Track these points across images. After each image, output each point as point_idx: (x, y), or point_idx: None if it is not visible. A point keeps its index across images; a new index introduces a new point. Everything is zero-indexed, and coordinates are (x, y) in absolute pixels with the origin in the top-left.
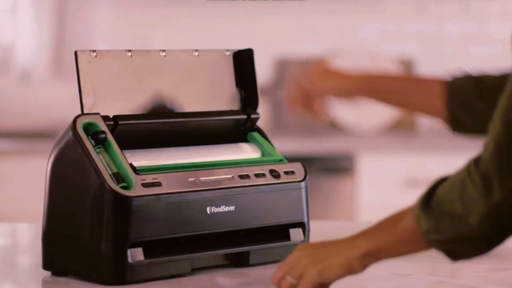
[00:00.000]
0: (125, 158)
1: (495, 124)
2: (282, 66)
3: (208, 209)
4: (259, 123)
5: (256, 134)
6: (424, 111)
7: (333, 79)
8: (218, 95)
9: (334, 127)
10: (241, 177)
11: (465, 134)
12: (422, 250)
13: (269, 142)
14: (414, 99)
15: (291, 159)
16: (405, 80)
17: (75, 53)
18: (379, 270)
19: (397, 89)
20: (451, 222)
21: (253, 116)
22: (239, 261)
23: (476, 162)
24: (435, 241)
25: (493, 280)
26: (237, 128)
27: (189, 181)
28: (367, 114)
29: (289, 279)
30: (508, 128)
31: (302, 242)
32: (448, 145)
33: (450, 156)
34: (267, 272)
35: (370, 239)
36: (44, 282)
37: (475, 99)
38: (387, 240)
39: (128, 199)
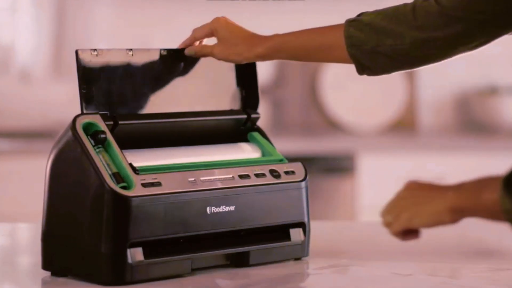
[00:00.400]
0: (125, 158)
1: None
2: (283, 66)
3: (208, 209)
4: (259, 123)
5: (256, 134)
6: (331, 61)
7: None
8: (218, 95)
9: (335, 127)
10: (241, 177)
11: (372, 75)
12: (504, 223)
13: (270, 141)
14: (319, 55)
15: (292, 159)
16: (307, 37)
17: (76, 52)
18: (379, 270)
19: (302, 49)
20: None
21: (253, 115)
22: (239, 261)
23: None
24: None
25: (494, 280)
26: (237, 127)
27: (189, 181)
28: (368, 114)
29: (387, 218)
30: None
31: (302, 241)
32: (448, 145)
33: (450, 156)
34: (267, 272)
35: (459, 195)
36: (44, 282)
37: (371, 43)
38: (471, 203)
39: (127, 199)
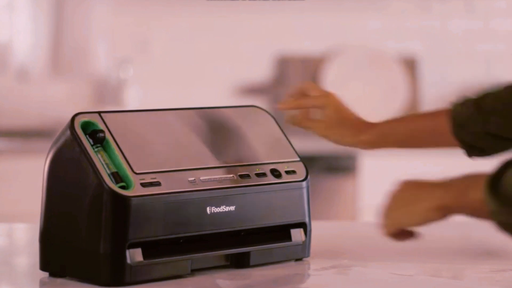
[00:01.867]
0: (124, 157)
1: None
2: (283, 64)
3: (208, 209)
4: None
5: None
6: (442, 147)
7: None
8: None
9: None
10: (241, 176)
11: (482, 157)
12: (489, 221)
13: None
14: (428, 140)
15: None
16: (412, 124)
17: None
18: (381, 271)
19: (408, 136)
20: None
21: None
22: (240, 262)
23: None
24: (502, 222)
25: (497, 281)
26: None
27: (188, 180)
28: (370, 113)
29: (381, 220)
30: None
31: (303, 241)
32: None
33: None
34: (268, 273)
35: (446, 193)
36: (42, 283)
37: (479, 124)
38: (458, 201)
39: (126, 199)
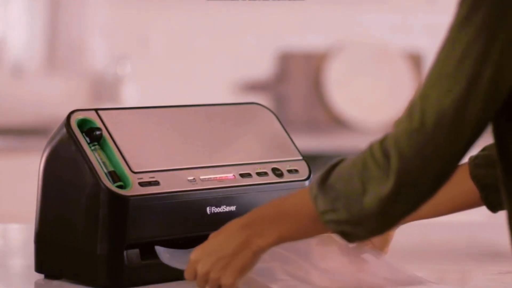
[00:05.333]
0: (122, 155)
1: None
2: (285, 60)
3: (208, 209)
4: None
5: None
6: (465, 208)
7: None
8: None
9: (340, 124)
10: (242, 175)
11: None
12: (323, 232)
13: None
14: (451, 204)
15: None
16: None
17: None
18: None
19: (436, 201)
20: (345, 201)
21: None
22: None
23: (381, 141)
24: (331, 221)
25: (504, 283)
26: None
27: (188, 180)
28: (374, 110)
29: (197, 267)
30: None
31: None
32: None
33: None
34: None
35: (278, 228)
36: (37, 285)
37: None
38: (293, 227)
39: (124, 198)
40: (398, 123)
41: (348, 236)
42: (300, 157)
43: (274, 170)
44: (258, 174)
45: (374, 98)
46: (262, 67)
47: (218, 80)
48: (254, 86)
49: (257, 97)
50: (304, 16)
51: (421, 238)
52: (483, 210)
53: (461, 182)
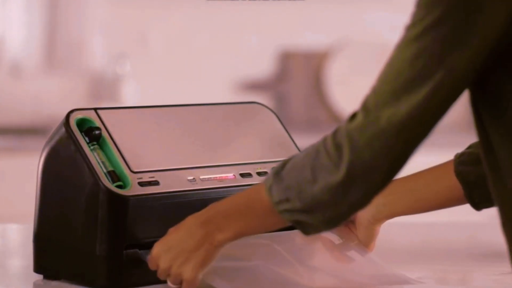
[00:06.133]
0: (121, 155)
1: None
2: (286, 59)
3: None
4: None
5: None
6: (449, 205)
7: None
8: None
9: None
10: (242, 175)
11: (489, 206)
12: (280, 224)
13: None
14: (435, 200)
15: None
16: (424, 181)
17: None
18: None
19: (420, 196)
20: (297, 190)
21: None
22: None
23: (334, 133)
24: (285, 211)
25: (506, 284)
26: None
27: (188, 179)
28: None
29: (160, 261)
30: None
31: None
32: (457, 141)
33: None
34: None
35: (236, 222)
36: (36, 285)
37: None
38: (252, 221)
39: (124, 198)
40: (351, 116)
41: (304, 226)
42: None
43: None
44: (259, 174)
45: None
46: (263, 66)
47: (218, 79)
48: (255, 85)
49: (258, 96)
50: (305, 15)
51: (422, 238)
52: (484, 210)
53: (446, 179)
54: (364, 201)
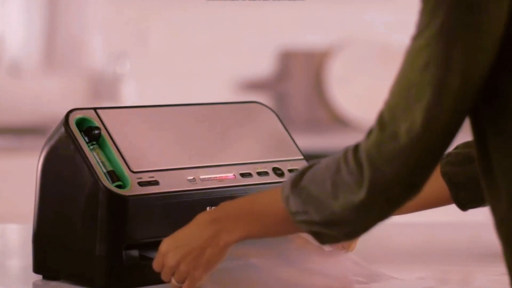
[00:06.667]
0: (121, 155)
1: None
2: (286, 59)
3: (208, 209)
4: None
5: None
6: (436, 205)
7: None
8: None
9: (342, 123)
10: (242, 175)
11: (475, 207)
12: (293, 231)
13: None
14: (421, 201)
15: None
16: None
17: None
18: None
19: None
20: (317, 204)
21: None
22: None
23: (354, 149)
24: (303, 222)
25: (507, 284)
26: None
27: (188, 179)
28: (376, 109)
29: (168, 257)
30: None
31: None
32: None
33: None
34: None
35: (247, 226)
36: (35, 286)
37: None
38: (262, 226)
39: (123, 198)
40: (369, 133)
41: (321, 237)
42: (301, 157)
43: (275, 169)
44: (259, 173)
45: (375, 96)
46: (263, 65)
47: (218, 79)
48: (255, 85)
49: (258, 95)
50: (305, 15)
51: (423, 238)
52: (485, 211)
53: (432, 179)
54: (385, 217)
